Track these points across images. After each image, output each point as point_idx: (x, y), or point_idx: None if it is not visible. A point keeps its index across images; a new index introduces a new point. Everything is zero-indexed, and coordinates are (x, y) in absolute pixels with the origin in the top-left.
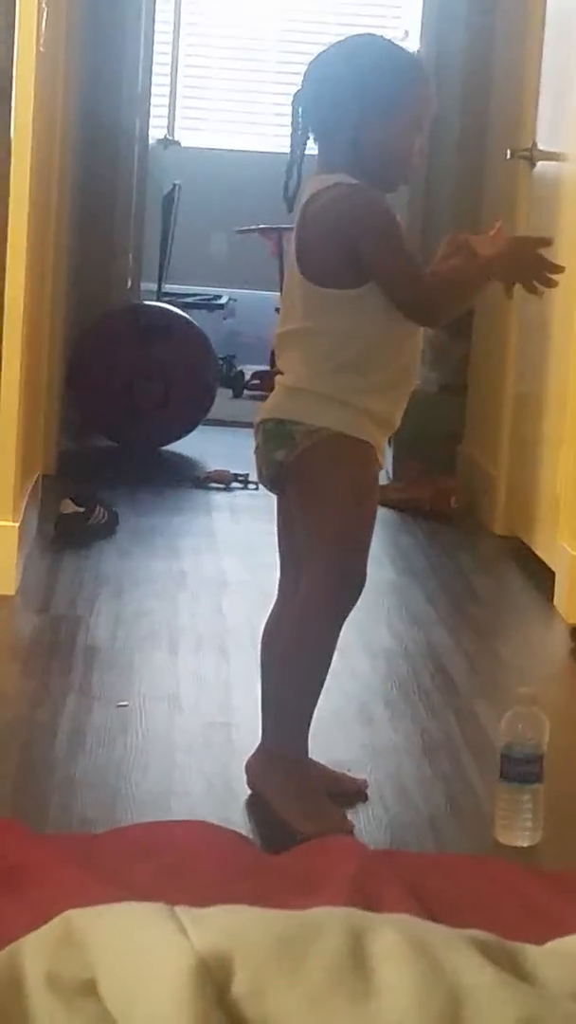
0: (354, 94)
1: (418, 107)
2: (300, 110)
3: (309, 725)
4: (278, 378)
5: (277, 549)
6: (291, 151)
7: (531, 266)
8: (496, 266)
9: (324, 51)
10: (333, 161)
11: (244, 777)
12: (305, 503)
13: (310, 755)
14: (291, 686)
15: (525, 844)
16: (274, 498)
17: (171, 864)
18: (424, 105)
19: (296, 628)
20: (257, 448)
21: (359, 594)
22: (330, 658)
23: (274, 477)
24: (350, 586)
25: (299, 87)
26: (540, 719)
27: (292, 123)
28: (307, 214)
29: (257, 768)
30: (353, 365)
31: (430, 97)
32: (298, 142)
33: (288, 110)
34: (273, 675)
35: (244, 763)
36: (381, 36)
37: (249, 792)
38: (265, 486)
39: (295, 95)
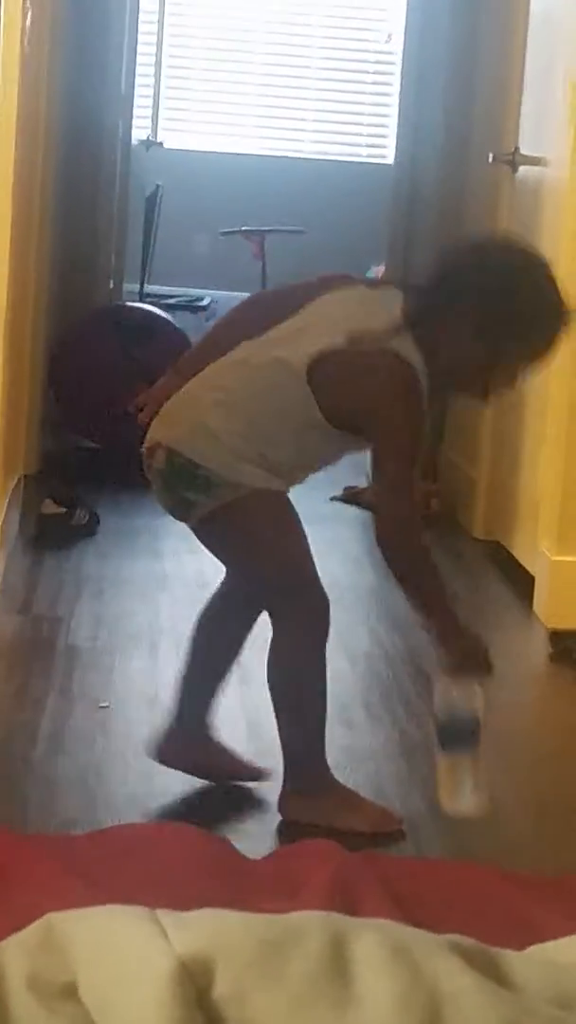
0: (490, 308)
1: (529, 358)
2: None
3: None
4: (195, 391)
5: None
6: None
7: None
8: (459, 651)
9: (504, 247)
10: (418, 329)
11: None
12: (237, 553)
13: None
14: (302, 729)
15: (471, 813)
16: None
17: (152, 867)
18: (537, 350)
19: (290, 676)
20: (157, 472)
21: (329, 615)
22: (325, 686)
23: (182, 514)
24: (319, 616)
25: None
26: (473, 688)
27: (435, 281)
28: (354, 358)
29: (294, 805)
30: (278, 459)
31: (549, 346)
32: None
33: (273, 112)
34: (280, 723)
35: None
36: (547, 267)
37: (275, 814)
38: (167, 511)
39: (454, 264)
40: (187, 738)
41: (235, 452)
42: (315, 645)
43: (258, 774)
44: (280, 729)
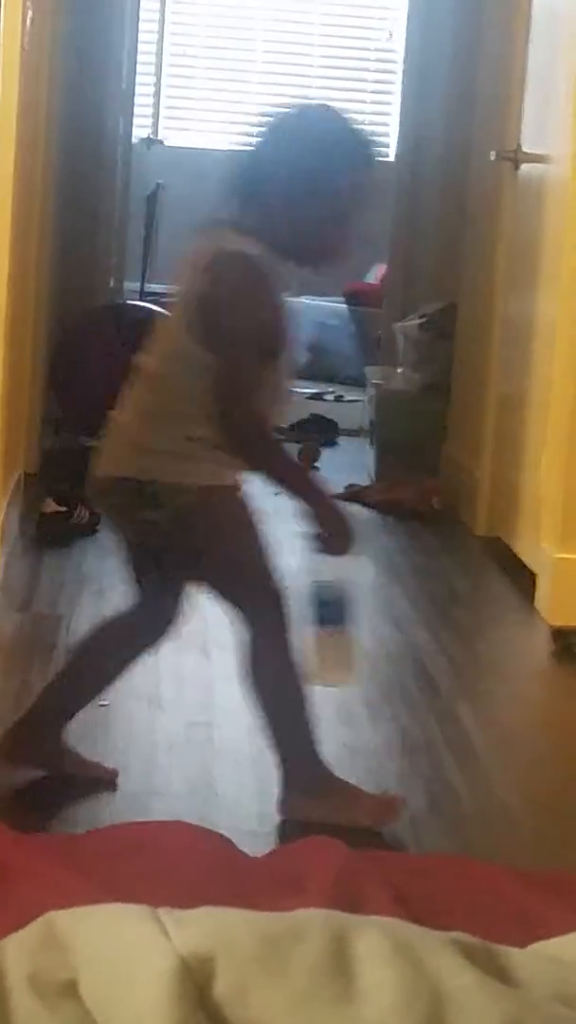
0: (293, 169)
1: (350, 193)
2: (244, 170)
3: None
4: (113, 420)
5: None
6: (225, 208)
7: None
8: (328, 525)
9: (277, 116)
10: (247, 222)
11: (226, 777)
12: (199, 561)
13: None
14: (292, 728)
15: (338, 684)
16: (255, 498)
17: (153, 865)
18: (359, 195)
19: (271, 677)
20: (111, 507)
21: (283, 607)
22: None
23: (149, 538)
24: (278, 612)
25: (251, 146)
26: (343, 563)
27: (231, 179)
28: (209, 277)
29: (295, 805)
30: (205, 434)
31: (365, 184)
32: (234, 201)
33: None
34: (270, 726)
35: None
36: (335, 111)
37: (280, 818)
38: (136, 544)
39: (243, 154)
40: (37, 735)
41: (166, 451)
42: (285, 642)
43: (109, 775)
44: (270, 732)
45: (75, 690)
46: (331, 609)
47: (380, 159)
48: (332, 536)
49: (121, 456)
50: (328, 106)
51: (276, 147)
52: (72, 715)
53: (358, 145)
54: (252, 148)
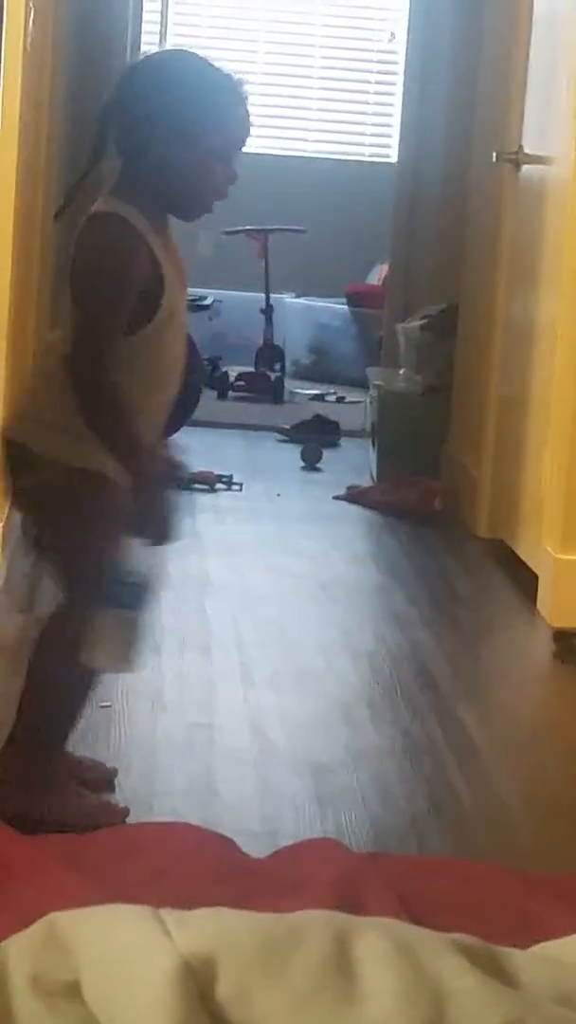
0: (153, 114)
1: (221, 131)
2: (104, 125)
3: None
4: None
5: None
6: (85, 167)
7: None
8: (143, 505)
9: (132, 64)
10: (124, 186)
11: (228, 778)
12: (50, 536)
13: (295, 756)
14: (54, 710)
15: (110, 670)
16: (257, 500)
17: (155, 866)
18: (232, 129)
19: (63, 658)
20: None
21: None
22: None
23: (14, 502)
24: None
25: (107, 101)
26: (150, 549)
27: (92, 138)
28: (77, 241)
29: (14, 796)
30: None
31: (240, 121)
32: (92, 158)
33: (277, 112)
34: (31, 694)
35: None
36: (193, 53)
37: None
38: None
39: (101, 109)
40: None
41: (50, 423)
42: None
43: (108, 774)
44: (25, 705)
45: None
46: (127, 592)
47: (382, 160)
48: (147, 522)
49: (15, 420)
50: (185, 49)
51: (137, 97)
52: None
53: (217, 83)
54: (111, 102)
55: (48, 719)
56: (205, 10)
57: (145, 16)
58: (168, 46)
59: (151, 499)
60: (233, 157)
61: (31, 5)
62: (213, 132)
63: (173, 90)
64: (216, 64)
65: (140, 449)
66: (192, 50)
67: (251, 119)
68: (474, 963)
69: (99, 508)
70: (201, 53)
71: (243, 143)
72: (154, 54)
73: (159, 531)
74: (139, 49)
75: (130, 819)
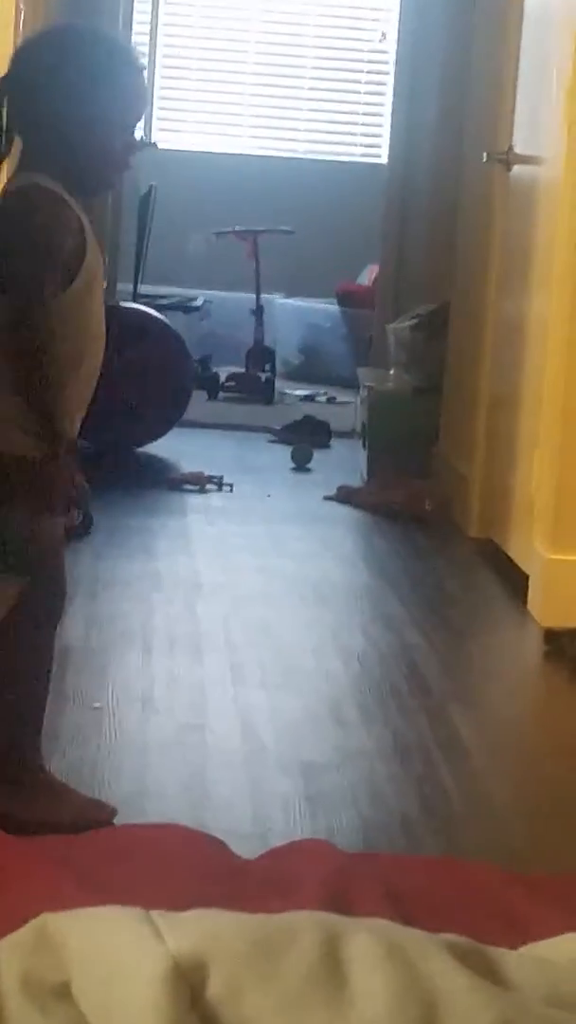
0: (51, 86)
1: (117, 103)
2: (4, 101)
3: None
4: None
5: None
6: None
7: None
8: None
9: (29, 38)
10: (31, 160)
11: (218, 778)
12: None
13: (285, 756)
14: (19, 711)
15: None
16: (248, 501)
17: (145, 867)
18: (128, 100)
19: (24, 655)
20: None
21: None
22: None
23: None
24: (59, 604)
25: (3, 77)
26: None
27: None
28: None
29: None
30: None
31: (136, 91)
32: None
33: (267, 112)
34: None
35: (216, 767)
36: (87, 26)
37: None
38: None
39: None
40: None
41: None
42: (51, 633)
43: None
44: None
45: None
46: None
47: (372, 160)
48: (54, 490)
49: None
50: (78, 23)
51: (35, 70)
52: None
53: (110, 55)
54: (13, 79)
55: (21, 718)
56: (196, 11)
57: (136, 17)
58: (158, 47)
59: (61, 468)
60: (131, 128)
61: (20, 5)
62: (109, 103)
63: (67, 63)
64: (110, 35)
65: (50, 419)
66: (80, 23)
67: (145, 89)
68: (465, 963)
69: (29, 490)
70: (93, 25)
71: (140, 114)
72: (48, 29)
73: (64, 500)
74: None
75: (121, 820)
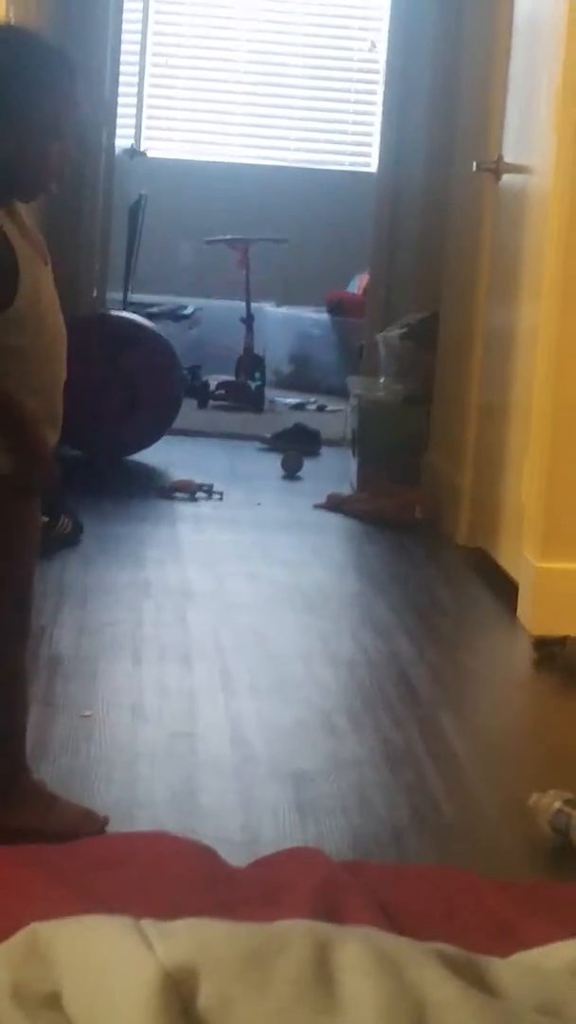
0: None
1: (52, 107)
2: None
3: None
4: None
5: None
6: None
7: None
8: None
9: None
10: None
11: (209, 787)
12: None
13: (275, 764)
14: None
15: None
16: (238, 509)
17: (136, 876)
18: (60, 105)
19: None
20: None
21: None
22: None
23: None
24: (16, 613)
25: None
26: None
27: None
28: None
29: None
30: None
31: (69, 96)
32: None
33: (257, 121)
34: None
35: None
36: (16, 28)
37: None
38: None
39: None
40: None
41: None
42: (21, 646)
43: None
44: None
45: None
46: None
47: (362, 169)
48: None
49: None
50: (7, 25)
51: None
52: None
53: (40, 57)
54: None
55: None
56: (186, 19)
57: (125, 26)
58: (148, 55)
59: (38, 468)
60: (64, 132)
61: (10, 13)
62: (39, 107)
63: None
64: (42, 38)
65: (29, 423)
66: (15, 24)
67: (78, 91)
68: (455, 972)
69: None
70: (24, 26)
71: (72, 117)
72: None
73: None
74: (119, 59)
75: (111, 829)
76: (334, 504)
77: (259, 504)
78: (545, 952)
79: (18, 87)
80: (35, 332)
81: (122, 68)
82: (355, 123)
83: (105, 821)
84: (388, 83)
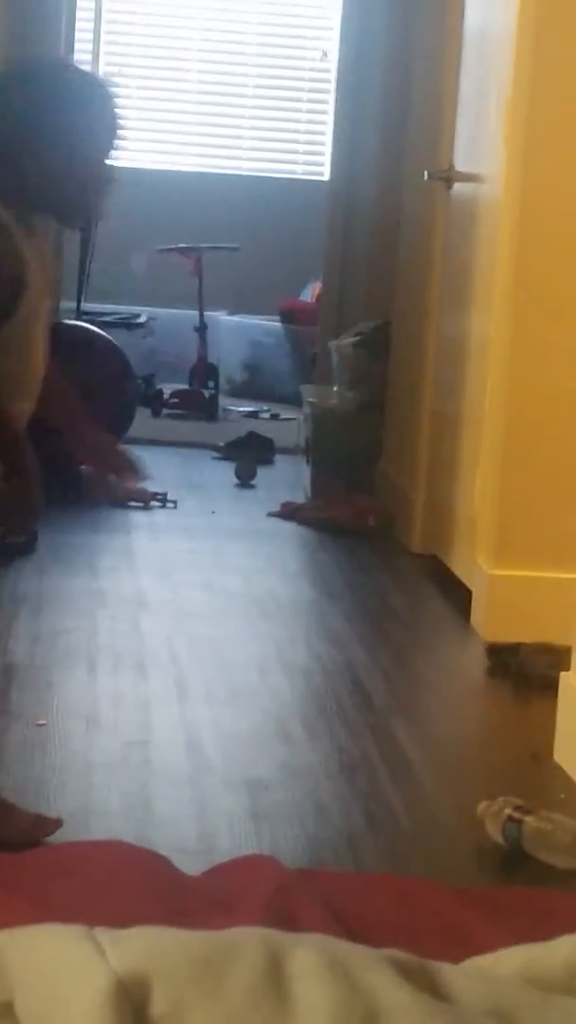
0: (22, 120)
1: (98, 135)
2: None
3: None
4: None
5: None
6: None
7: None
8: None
9: (7, 68)
10: None
11: (163, 795)
12: None
13: (230, 773)
14: None
15: None
16: (192, 518)
17: (89, 884)
18: (105, 133)
19: None
20: None
21: None
22: None
23: None
24: None
25: None
26: None
27: None
28: None
29: None
30: None
31: (113, 125)
32: None
33: (209, 129)
34: None
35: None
36: (63, 60)
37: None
38: None
39: None
40: None
41: None
42: None
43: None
44: None
45: None
46: None
47: (315, 178)
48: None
49: None
50: (55, 57)
51: (5, 104)
52: None
53: (87, 89)
54: None
55: None
56: (137, 28)
57: (77, 35)
58: (100, 64)
59: (26, 485)
60: (106, 162)
61: None
62: (86, 135)
63: (42, 97)
64: (87, 70)
65: (18, 438)
66: (60, 56)
67: (122, 122)
68: (407, 978)
69: None
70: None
71: (114, 148)
72: (24, 61)
73: (27, 517)
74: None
75: (65, 837)
76: (288, 512)
77: (213, 512)
78: (496, 958)
79: (68, 116)
80: (17, 360)
81: None
82: (307, 131)
83: (59, 822)
84: (340, 92)
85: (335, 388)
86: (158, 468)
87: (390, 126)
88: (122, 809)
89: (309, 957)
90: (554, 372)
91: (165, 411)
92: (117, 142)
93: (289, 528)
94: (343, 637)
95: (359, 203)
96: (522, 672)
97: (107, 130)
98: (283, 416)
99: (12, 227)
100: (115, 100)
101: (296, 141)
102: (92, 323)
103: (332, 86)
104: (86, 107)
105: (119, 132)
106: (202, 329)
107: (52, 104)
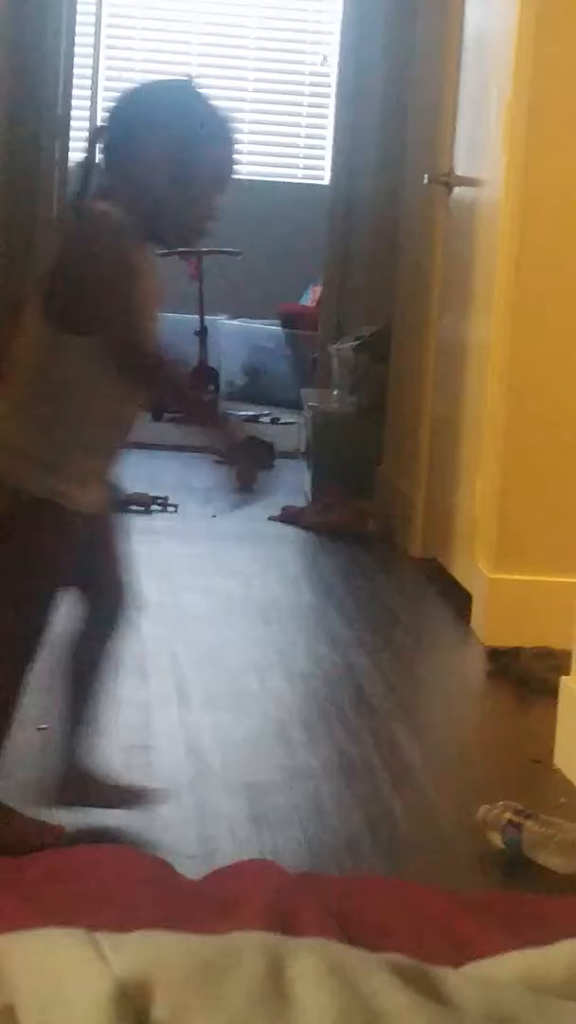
0: (141, 141)
1: (221, 161)
2: (93, 147)
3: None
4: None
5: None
6: (79, 185)
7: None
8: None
9: (129, 90)
10: (109, 194)
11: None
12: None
13: (230, 777)
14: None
15: None
16: (192, 522)
17: (90, 888)
18: (227, 158)
19: None
20: None
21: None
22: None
23: None
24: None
25: (103, 123)
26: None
27: (83, 157)
28: (67, 234)
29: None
30: (65, 420)
31: (222, 160)
32: (83, 178)
33: None
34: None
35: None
36: (190, 85)
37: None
38: None
39: (96, 129)
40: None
41: (18, 451)
42: (25, 658)
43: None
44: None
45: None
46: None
47: (315, 182)
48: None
49: None
50: (190, 79)
51: (133, 116)
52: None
53: (214, 114)
54: (111, 117)
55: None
56: (137, 32)
57: (78, 39)
58: (101, 68)
59: (234, 443)
60: (214, 194)
61: None
62: (211, 160)
63: (165, 120)
64: (210, 99)
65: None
66: (189, 81)
67: (237, 157)
68: (408, 983)
69: (53, 540)
70: (199, 84)
71: (227, 181)
72: (151, 82)
73: (248, 472)
74: (72, 72)
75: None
76: (288, 516)
77: (213, 516)
78: (497, 962)
79: (196, 140)
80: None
81: (76, 80)
82: (307, 136)
83: (61, 831)
84: (340, 96)
85: (335, 392)
86: (158, 472)
87: (390, 130)
88: (123, 813)
89: (310, 961)
90: (554, 376)
91: (166, 415)
92: (225, 183)
93: (289, 532)
94: (343, 641)
95: (359, 207)
96: (522, 676)
97: (228, 157)
98: (283, 420)
99: (128, 230)
100: (233, 136)
101: (296, 145)
102: None
103: (332, 90)
104: (212, 132)
105: (229, 174)
106: (202, 333)
107: (172, 128)
